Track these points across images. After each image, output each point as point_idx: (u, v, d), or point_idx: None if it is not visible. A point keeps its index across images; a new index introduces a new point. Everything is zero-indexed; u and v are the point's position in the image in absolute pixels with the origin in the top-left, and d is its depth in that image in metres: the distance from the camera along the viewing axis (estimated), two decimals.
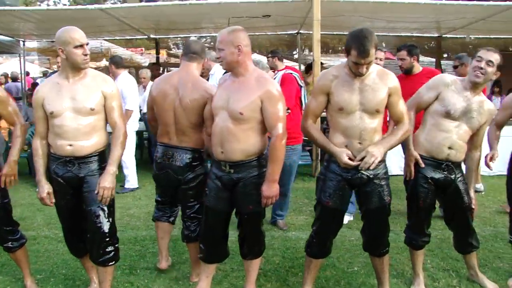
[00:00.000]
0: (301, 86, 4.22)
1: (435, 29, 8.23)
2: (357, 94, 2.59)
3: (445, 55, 13.34)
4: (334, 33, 8.77)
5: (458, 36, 8.30)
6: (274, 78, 4.08)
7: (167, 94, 2.97)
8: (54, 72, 7.79)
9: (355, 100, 2.59)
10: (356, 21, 7.36)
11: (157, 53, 8.95)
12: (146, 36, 8.72)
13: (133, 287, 3.17)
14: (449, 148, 2.82)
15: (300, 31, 8.38)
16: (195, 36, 9.05)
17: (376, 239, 2.82)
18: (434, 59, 9.84)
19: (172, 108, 2.96)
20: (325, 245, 2.83)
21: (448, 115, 2.79)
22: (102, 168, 2.77)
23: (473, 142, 2.93)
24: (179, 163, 2.98)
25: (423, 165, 2.86)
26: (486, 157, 3.10)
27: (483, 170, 6.51)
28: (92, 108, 2.67)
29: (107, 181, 2.65)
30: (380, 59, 4.39)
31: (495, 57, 2.72)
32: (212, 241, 2.81)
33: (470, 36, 7.94)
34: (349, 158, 2.60)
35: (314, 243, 2.83)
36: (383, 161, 2.71)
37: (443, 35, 8.36)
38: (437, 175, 2.88)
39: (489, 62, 2.71)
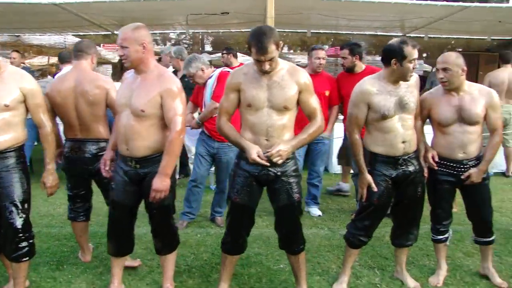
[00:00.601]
0: None
1: (399, 28, 8.32)
2: (265, 91, 2.61)
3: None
4: (298, 31, 8.79)
5: (421, 35, 8.39)
6: (211, 76, 4.08)
7: (66, 95, 3.10)
8: None
9: (262, 96, 2.61)
10: (317, 19, 7.43)
11: None
12: (110, 32, 8.66)
13: (55, 283, 3.16)
14: (403, 142, 2.85)
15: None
16: (159, 33, 8.94)
17: (289, 237, 2.85)
18: None
19: (74, 107, 3.10)
20: (238, 241, 2.85)
21: (385, 117, 2.81)
22: (19, 163, 2.77)
23: None
24: (87, 155, 3.15)
25: (375, 189, 2.87)
26: (426, 158, 3.08)
27: None
28: (6, 104, 2.66)
29: (46, 178, 2.86)
30: (323, 58, 4.45)
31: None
32: (119, 234, 2.84)
33: (429, 35, 8.02)
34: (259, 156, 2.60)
35: (227, 239, 2.86)
36: (292, 158, 2.74)
37: (407, 34, 8.44)
38: (395, 171, 2.89)
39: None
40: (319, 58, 4.39)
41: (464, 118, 2.95)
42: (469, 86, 2.99)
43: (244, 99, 2.66)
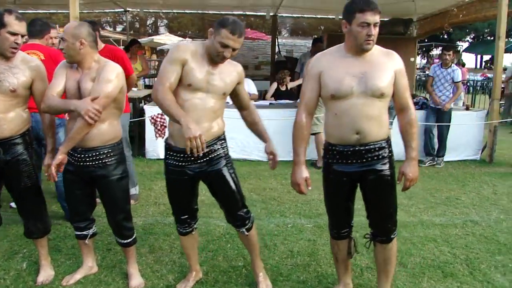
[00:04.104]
0: None
1: (268, 7, 7.85)
2: None
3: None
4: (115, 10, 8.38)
5: (294, 15, 7.95)
6: None
7: None
8: None
9: None
10: None
11: None
12: None
13: None
14: None
15: (126, 10, 8.02)
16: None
17: None
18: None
19: None
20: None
21: None
22: None
23: None
24: None
25: None
26: None
27: None
28: None
29: None
30: (55, 37, 4.12)
31: None
32: None
33: (270, 13, 7.57)
34: None
35: None
36: None
37: (277, 14, 8.01)
38: None
39: None
40: (50, 38, 4.06)
41: (81, 98, 2.60)
42: (97, 62, 2.62)
43: None
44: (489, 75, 18.30)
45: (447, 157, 6.29)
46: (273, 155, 2.70)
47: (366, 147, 2.36)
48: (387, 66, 2.33)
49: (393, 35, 7.87)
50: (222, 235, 3.64)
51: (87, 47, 2.58)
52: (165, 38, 17.57)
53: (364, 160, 2.38)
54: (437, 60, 18.62)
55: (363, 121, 2.31)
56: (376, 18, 2.23)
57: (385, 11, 7.58)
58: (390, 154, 2.43)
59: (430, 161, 6.26)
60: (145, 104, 6.87)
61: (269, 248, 3.44)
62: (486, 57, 17.69)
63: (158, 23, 21.48)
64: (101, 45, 4.13)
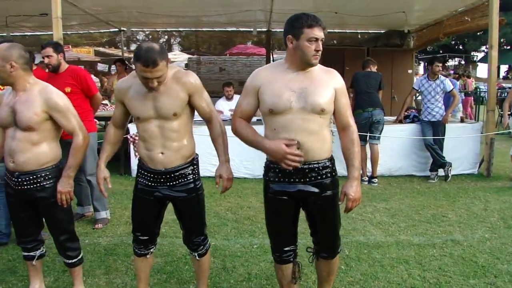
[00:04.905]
0: None
1: (264, 22, 7.86)
2: None
3: None
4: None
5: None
6: None
7: None
8: None
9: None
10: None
11: None
12: None
13: None
14: None
15: (122, 29, 8.12)
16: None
17: None
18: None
19: None
20: None
21: None
22: None
23: None
24: None
25: None
26: None
27: None
28: None
29: None
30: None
31: None
32: None
33: (257, 29, 7.53)
34: None
35: None
36: None
37: (272, 30, 7.98)
38: None
39: None
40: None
41: (16, 122, 2.59)
42: (32, 85, 2.60)
43: None
44: (504, 85, 17.78)
45: (442, 172, 6.03)
46: (222, 179, 2.50)
47: (310, 166, 2.26)
48: (328, 83, 2.27)
49: (390, 47, 7.71)
50: (183, 256, 3.52)
51: (18, 69, 2.55)
52: (175, 56, 17.81)
53: (307, 179, 2.27)
54: (452, 72, 18.26)
55: (303, 136, 2.21)
56: (322, 34, 2.21)
57: (380, 24, 7.50)
58: (334, 174, 2.34)
59: (449, 167, 5.92)
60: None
61: (227, 270, 3.30)
62: (504, 67, 17.23)
63: (172, 41, 21.86)
64: (65, 66, 4.14)
